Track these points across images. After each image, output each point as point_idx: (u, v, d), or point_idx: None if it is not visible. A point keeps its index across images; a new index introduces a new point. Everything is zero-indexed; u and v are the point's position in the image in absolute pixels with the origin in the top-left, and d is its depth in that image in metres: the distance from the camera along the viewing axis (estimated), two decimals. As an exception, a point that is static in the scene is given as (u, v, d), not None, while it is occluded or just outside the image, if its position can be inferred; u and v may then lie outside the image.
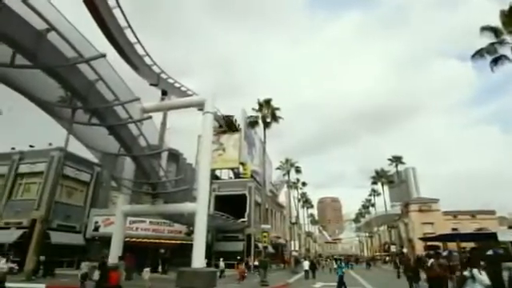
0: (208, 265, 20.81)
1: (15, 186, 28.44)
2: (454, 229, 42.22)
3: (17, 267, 19.12)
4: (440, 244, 41.41)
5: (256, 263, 27.12)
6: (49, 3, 8.39)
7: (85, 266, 14.39)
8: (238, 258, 28.57)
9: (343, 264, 47.24)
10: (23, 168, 28.78)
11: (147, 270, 17.66)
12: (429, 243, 42.53)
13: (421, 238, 43.36)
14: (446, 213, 49.19)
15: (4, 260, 14.31)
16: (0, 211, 27.00)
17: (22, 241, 24.31)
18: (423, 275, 12.06)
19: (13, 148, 30.15)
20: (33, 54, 8.52)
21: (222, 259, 25.79)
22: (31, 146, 29.91)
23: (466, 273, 7.51)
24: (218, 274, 22.93)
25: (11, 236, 23.85)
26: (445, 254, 36.15)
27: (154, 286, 16.48)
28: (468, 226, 42.90)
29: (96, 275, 12.75)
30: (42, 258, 21.10)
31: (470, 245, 37.27)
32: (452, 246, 36.65)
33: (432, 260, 11.99)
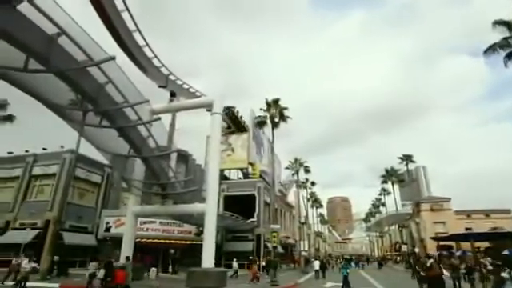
0: (217, 265, 20.86)
1: (29, 188, 29.12)
2: (467, 228, 41.39)
3: (38, 266, 19.56)
4: (453, 244, 40.72)
5: (263, 263, 26.98)
6: (59, 8, 8.55)
7: (92, 266, 14.68)
8: (250, 258, 28.59)
9: (353, 264, 46.74)
10: (37, 170, 29.44)
11: (154, 269, 17.93)
12: (441, 243, 41.82)
13: (433, 238, 42.66)
14: (458, 212, 48.25)
15: (27, 260, 14.75)
16: (14, 213, 27.69)
17: (37, 241, 24.85)
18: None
19: (26, 151, 30.85)
20: (45, 59, 8.71)
21: (235, 259, 25.82)
22: (44, 149, 30.54)
23: (504, 274, 7.23)
24: (232, 274, 23.04)
25: (27, 236, 24.38)
26: (458, 253, 35.54)
27: (163, 286, 16.63)
28: (482, 226, 41.93)
29: (101, 274, 12.99)
30: (56, 258, 21.51)
31: (484, 244, 36.53)
32: (465, 245, 36.01)
33: (431, 260, 12.01)
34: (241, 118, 42.85)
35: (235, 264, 24.89)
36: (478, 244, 35.04)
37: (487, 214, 47.62)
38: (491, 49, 21.11)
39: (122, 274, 12.01)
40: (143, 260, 24.00)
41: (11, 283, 14.60)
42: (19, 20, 7.76)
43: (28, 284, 15.00)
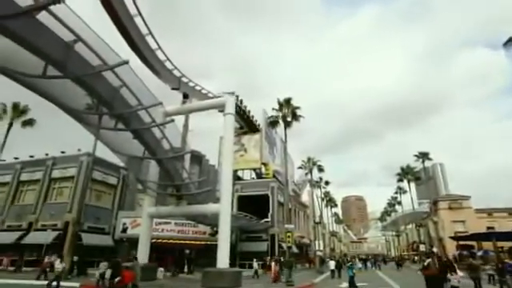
0: (232, 265, 20.92)
1: (50, 190, 30.04)
2: (489, 227, 40.06)
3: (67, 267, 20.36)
4: (474, 243, 39.43)
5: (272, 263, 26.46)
6: (74, 14, 8.76)
7: (103, 266, 15.08)
8: (268, 258, 28.47)
9: (369, 264, 45.78)
10: (56, 173, 30.35)
11: (161, 269, 18.37)
12: (461, 242, 40.61)
13: (452, 237, 41.47)
14: (479, 210, 46.70)
15: (59, 260, 15.40)
16: (36, 215, 28.63)
17: (58, 242, 25.62)
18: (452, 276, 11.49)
19: (46, 154, 31.85)
20: (62, 65, 8.94)
21: (255, 260, 25.54)
22: (62, 152, 31.44)
23: None
24: (253, 274, 23.02)
25: (48, 237, 25.16)
26: (480, 253, 34.41)
27: (179, 286, 16.79)
28: (505, 225, 40.46)
29: (108, 274, 13.30)
30: (75, 258, 22.11)
31: (508, 244, 35.20)
32: (488, 245, 34.81)
33: (429, 260, 12.15)
34: (250, 113, 42.54)
35: (255, 264, 24.58)
36: (500, 243, 33.84)
37: (510, 212, 45.90)
38: (511, 41, 20.30)
39: (129, 275, 12.13)
40: (165, 260, 24.46)
41: (45, 282, 15.25)
42: (38, 29, 7.99)
43: (53, 283, 15.64)
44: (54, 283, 14.19)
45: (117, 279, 12.15)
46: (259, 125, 42.79)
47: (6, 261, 24.69)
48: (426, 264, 10.74)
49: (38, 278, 18.06)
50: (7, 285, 16.37)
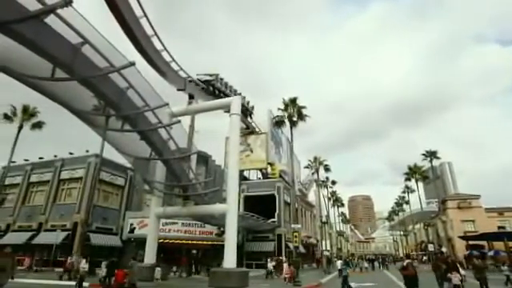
0: (238, 265, 20.85)
1: (59, 191, 30.47)
2: (500, 227, 39.35)
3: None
4: (485, 243, 38.78)
5: (273, 263, 26.14)
6: (81, 17, 8.84)
7: (103, 266, 15.41)
8: (280, 258, 28.37)
9: (377, 264, 45.17)
10: (64, 174, 30.77)
11: (159, 269, 18.58)
12: (471, 242, 39.99)
13: (462, 237, 40.87)
14: (489, 209, 45.85)
15: (84, 260, 15.77)
16: (46, 215, 29.03)
17: (67, 242, 25.95)
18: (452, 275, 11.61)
19: (55, 156, 32.27)
20: (69, 67, 9.03)
21: (269, 260, 25.18)
22: (71, 153, 31.82)
23: None
24: (266, 274, 22.91)
25: (58, 237, 25.50)
26: (491, 254, 33.84)
27: (185, 286, 16.86)
28: (517, 224, 39.70)
29: (103, 272, 13.55)
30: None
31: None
32: (499, 245, 34.19)
33: (408, 260, 12.78)
34: (249, 104, 42.09)
35: (270, 264, 24.20)
36: None
37: (522, 211, 45.00)
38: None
39: (121, 274, 12.21)
40: (178, 261, 24.57)
41: (70, 283, 15.56)
42: (46, 32, 8.08)
43: (62, 283, 15.93)
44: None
45: (113, 279, 12.36)
46: (256, 122, 42.39)
47: (28, 260, 25.22)
48: (404, 264, 11.27)
49: (60, 278, 18.48)
50: (35, 284, 16.63)
